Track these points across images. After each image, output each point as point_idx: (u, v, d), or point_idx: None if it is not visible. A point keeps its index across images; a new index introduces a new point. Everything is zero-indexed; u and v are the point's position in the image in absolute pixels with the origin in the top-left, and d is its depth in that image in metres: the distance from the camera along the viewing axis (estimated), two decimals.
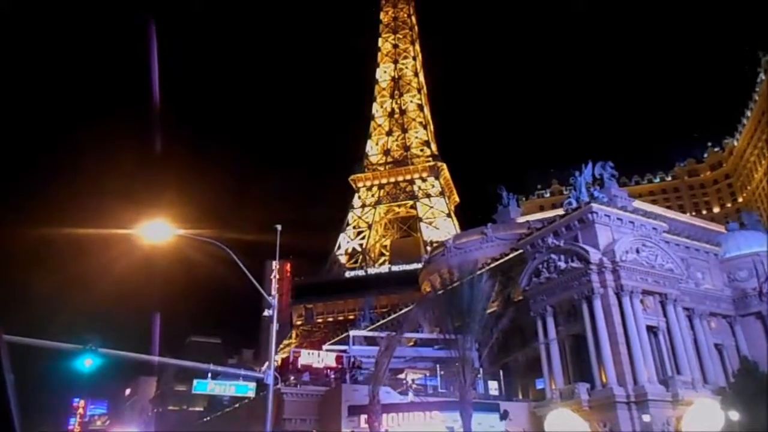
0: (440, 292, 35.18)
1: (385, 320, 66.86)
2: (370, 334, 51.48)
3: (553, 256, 47.25)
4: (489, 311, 37.76)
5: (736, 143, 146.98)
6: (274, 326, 28.57)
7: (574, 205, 50.31)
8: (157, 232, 23.88)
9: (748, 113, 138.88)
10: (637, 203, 55.49)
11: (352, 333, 47.48)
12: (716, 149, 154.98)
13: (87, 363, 22.43)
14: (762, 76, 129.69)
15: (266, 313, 30.74)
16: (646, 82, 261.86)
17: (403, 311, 62.95)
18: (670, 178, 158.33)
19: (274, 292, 28.11)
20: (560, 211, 57.72)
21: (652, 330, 44.43)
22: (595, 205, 45.84)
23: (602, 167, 53.87)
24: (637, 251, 45.25)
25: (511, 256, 54.68)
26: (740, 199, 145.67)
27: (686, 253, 52.07)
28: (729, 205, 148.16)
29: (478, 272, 36.77)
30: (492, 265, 47.93)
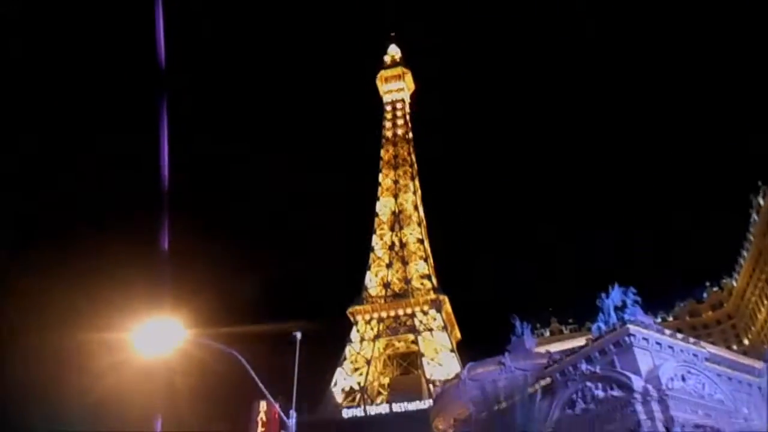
0: (483, 414, 30.73)
1: None
2: None
3: (588, 384, 43.07)
4: None
5: (735, 283, 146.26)
6: None
7: (604, 329, 47.17)
8: (156, 338, 18.77)
9: (745, 253, 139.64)
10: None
11: None
12: (715, 289, 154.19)
13: None
14: (755, 216, 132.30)
15: None
16: (643, 219, 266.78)
17: None
18: (671, 318, 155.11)
19: (293, 411, 24.88)
20: (578, 342, 54.17)
21: None
22: (632, 327, 42.73)
23: (624, 293, 51.71)
24: (683, 378, 41.35)
25: (536, 386, 50.11)
26: (746, 341, 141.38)
27: (729, 384, 47.85)
28: (735, 347, 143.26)
29: (530, 389, 32.50)
30: (543, 384, 43.51)
